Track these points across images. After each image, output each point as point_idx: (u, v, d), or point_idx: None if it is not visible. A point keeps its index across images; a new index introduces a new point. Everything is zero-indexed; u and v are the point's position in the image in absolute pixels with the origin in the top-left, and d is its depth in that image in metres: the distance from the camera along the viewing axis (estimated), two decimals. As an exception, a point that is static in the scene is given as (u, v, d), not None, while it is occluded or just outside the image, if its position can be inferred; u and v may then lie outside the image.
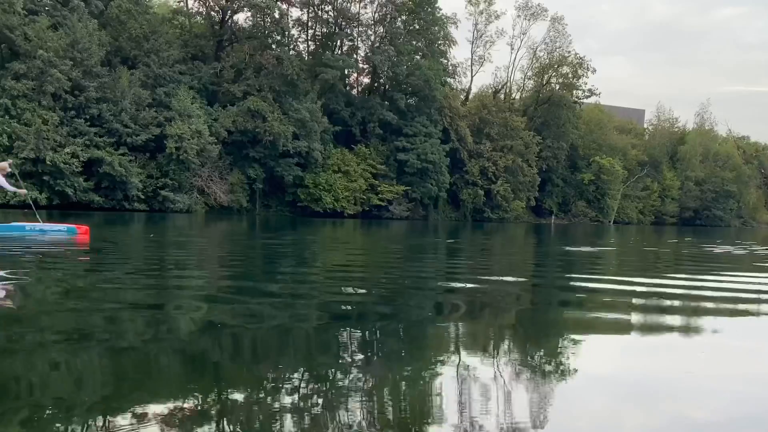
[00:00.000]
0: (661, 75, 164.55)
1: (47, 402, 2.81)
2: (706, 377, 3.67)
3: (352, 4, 51.85)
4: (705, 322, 5.43)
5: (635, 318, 5.58)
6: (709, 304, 6.41)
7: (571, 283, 8.41)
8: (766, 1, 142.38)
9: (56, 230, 13.26)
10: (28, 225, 13.19)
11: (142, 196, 38.23)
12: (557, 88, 64.28)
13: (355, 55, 52.92)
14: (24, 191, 14.23)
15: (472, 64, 62.18)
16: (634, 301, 6.65)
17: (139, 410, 2.71)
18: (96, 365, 3.52)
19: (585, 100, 66.92)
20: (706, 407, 3.14)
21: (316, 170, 46.62)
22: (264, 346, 4.14)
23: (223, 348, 4.00)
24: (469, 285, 7.45)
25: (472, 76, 63.41)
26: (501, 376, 3.49)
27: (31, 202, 15.77)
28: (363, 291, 6.68)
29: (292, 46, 49.95)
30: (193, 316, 5.07)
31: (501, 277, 8.66)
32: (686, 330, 5.11)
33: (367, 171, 48.91)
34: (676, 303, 6.62)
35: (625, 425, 2.86)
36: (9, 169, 13.44)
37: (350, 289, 6.69)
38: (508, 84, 65.52)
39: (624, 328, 5.10)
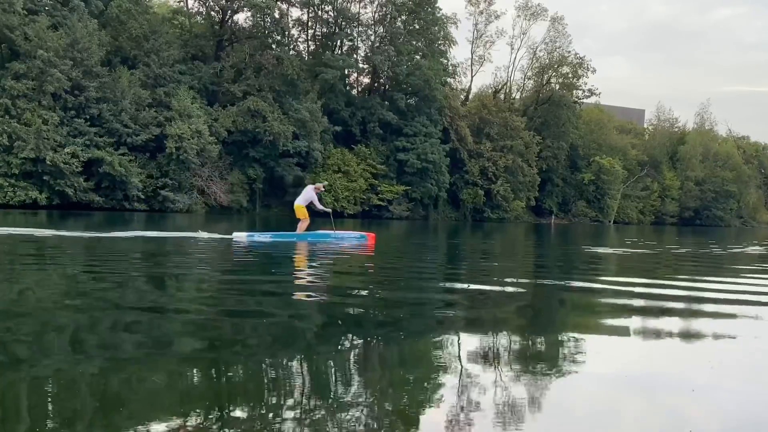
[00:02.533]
0: (661, 75, 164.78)
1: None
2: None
3: (352, 4, 51.87)
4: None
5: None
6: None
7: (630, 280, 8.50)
8: (764, 1, 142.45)
9: (352, 237, 15.64)
10: (331, 233, 15.44)
11: (142, 196, 38.20)
12: (557, 88, 64.32)
13: (355, 55, 52.90)
14: (330, 210, 16.19)
15: (472, 64, 62.32)
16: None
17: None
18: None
19: (585, 100, 66.98)
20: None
21: (316, 170, 46.61)
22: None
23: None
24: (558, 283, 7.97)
25: (472, 76, 63.59)
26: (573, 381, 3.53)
27: (331, 214, 17.27)
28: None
29: (292, 46, 49.95)
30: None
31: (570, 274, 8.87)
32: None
33: (367, 171, 48.89)
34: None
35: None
36: (323, 189, 16.02)
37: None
38: (508, 84, 65.61)
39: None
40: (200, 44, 46.05)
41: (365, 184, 48.46)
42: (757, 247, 20.33)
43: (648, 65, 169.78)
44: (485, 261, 12.54)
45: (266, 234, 15.14)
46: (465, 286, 7.44)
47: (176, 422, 2.63)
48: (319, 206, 15.51)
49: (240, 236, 14.41)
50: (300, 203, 15.44)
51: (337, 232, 15.57)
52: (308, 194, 15.37)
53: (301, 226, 15.35)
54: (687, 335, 4.85)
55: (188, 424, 2.62)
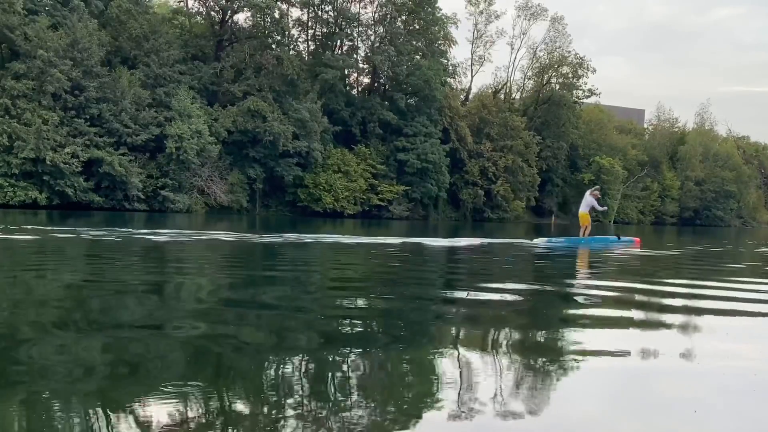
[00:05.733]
0: (660, 75, 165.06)
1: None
2: None
3: (352, 4, 51.85)
4: None
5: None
6: None
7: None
8: (763, 1, 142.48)
9: (628, 240, 17.57)
10: (611, 237, 18.00)
11: (142, 196, 38.21)
12: (557, 88, 64.28)
13: (355, 55, 52.88)
14: (606, 208, 17.72)
15: (472, 64, 62.24)
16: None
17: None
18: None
19: (585, 100, 66.94)
20: None
21: (316, 170, 46.61)
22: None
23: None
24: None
25: (472, 76, 63.53)
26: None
27: (610, 220, 19.10)
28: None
29: (292, 46, 49.93)
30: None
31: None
32: None
33: (367, 171, 48.87)
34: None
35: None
36: (599, 195, 17.74)
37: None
38: (508, 84, 65.56)
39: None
40: (200, 44, 46.03)
41: (365, 184, 48.44)
42: None
43: (647, 65, 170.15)
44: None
45: (560, 239, 17.25)
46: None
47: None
48: (599, 208, 17.53)
49: (540, 241, 16.70)
50: (583, 211, 17.18)
51: (621, 237, 17.46)
52: (588, 201, 17.03)
53: (586, 232, 17.07)
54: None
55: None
